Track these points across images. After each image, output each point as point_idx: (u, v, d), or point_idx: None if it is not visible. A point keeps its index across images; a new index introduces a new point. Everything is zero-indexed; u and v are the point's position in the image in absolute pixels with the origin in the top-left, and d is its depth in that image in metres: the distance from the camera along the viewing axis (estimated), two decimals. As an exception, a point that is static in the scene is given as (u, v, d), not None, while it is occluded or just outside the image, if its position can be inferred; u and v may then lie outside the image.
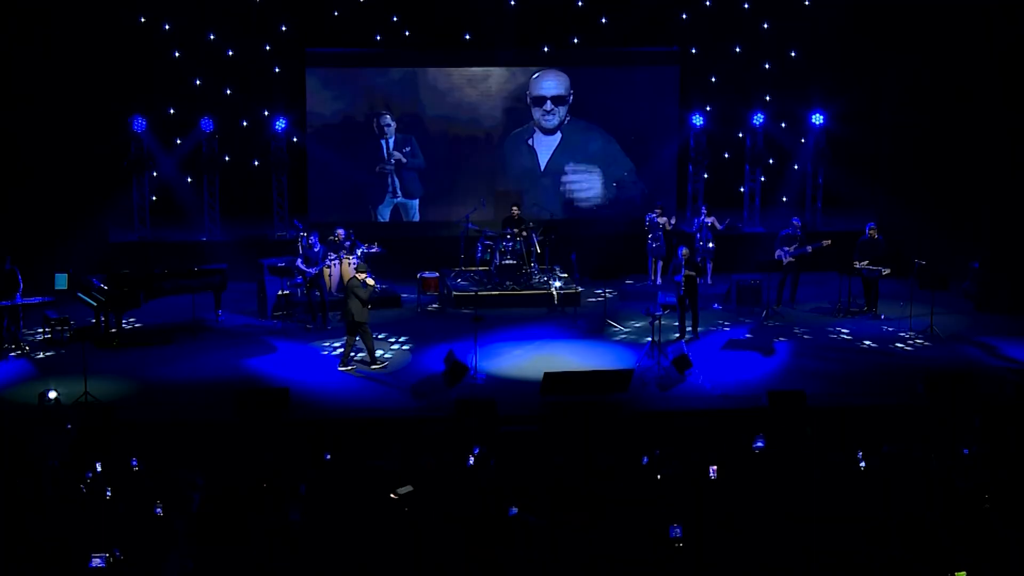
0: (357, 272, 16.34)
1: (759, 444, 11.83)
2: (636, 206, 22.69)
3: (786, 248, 19.30)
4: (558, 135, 22.72)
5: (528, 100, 22.53)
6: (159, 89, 22.34)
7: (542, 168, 22.75)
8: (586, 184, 22.87)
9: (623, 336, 17.89)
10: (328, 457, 11.94)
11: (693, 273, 17.24)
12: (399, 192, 22.45)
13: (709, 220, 20.52)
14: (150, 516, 9.69)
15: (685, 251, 17.36)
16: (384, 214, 22.56)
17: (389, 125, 22.32)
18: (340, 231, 19.71)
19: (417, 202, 22.66)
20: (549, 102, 22.53)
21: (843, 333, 18.16)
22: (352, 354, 16.37)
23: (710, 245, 20.66)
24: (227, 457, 12.33)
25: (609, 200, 22.90)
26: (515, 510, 9.60)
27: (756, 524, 9.37)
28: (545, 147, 22.73)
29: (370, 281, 16.33)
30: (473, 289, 19.44)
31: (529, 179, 22.70)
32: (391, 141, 22.35)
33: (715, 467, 10.77)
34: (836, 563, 8.66)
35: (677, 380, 15.72)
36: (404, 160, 22.39)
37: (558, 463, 11.57)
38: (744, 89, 23.71)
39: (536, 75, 22.51)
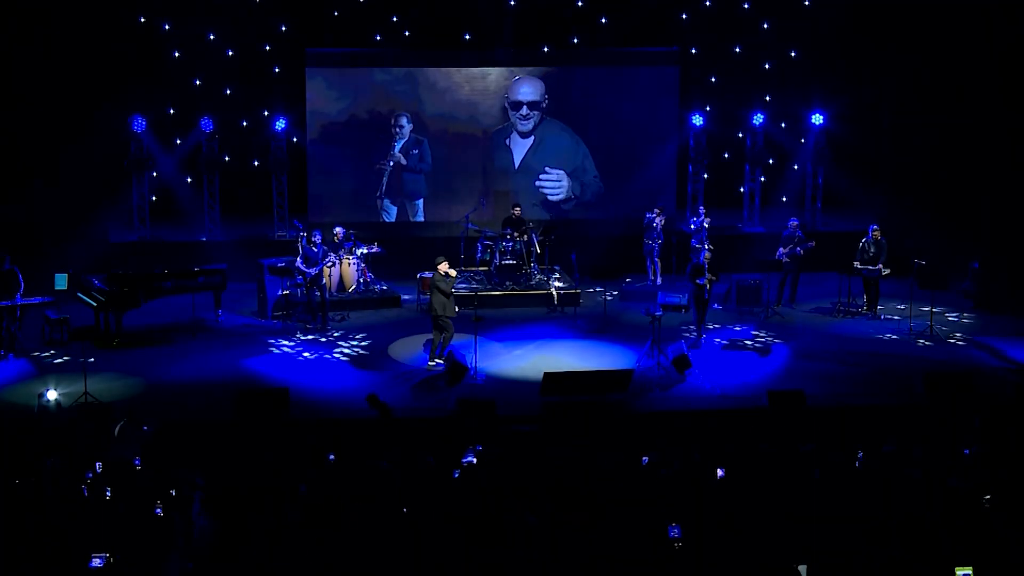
0: (437, 265, 16.25)
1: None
2: (599, 206, 22.86)
3: (782, 248, 19.35)
4: (531, 138, 22.74)
5: (506, 104, 22.51)
6: (159, 89, 22.36)
7: (516, 167, 22.77)
8: (556, 185, 22.89)
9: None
10: (332, 457, 11.94)
11: (713, 278, 17.25)
12: (384, 193, 22.41)
13: (707, 221, 20.49)
14: (150, 516, 9.68)
15: (708, 255, 17.36)
16: (391, 210, 22.53)
17: (403, 127, 22.32)
18: (339, 230, 19.72)
19: (421, 202, 22.65)
20: (525, 107, 22.53)
21: (843, 333, 18.16)
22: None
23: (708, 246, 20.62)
24: (227, 457, 12.33)
25: (577, 198, 22.92)
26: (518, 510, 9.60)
27: (756, 524, 9.36)
28: (519, 148, 22.75)
29: (452, 272, 16.25)
30: (473, 289, 19.44)
31: (507, 176, 22.72)
32: (400, 143, 22.33)
33: (722, 469, 10.75)
34: (836, 563, 8.65)
35: (677, 380, 15.72)
36: (404, 162, 22.38)
37: (558, 463, 11.56)
38: (744, 89, 23.73)
39: (515, 80, 22.49)
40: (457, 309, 16.46)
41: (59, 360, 16.58)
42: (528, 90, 22.53)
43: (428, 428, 14.19)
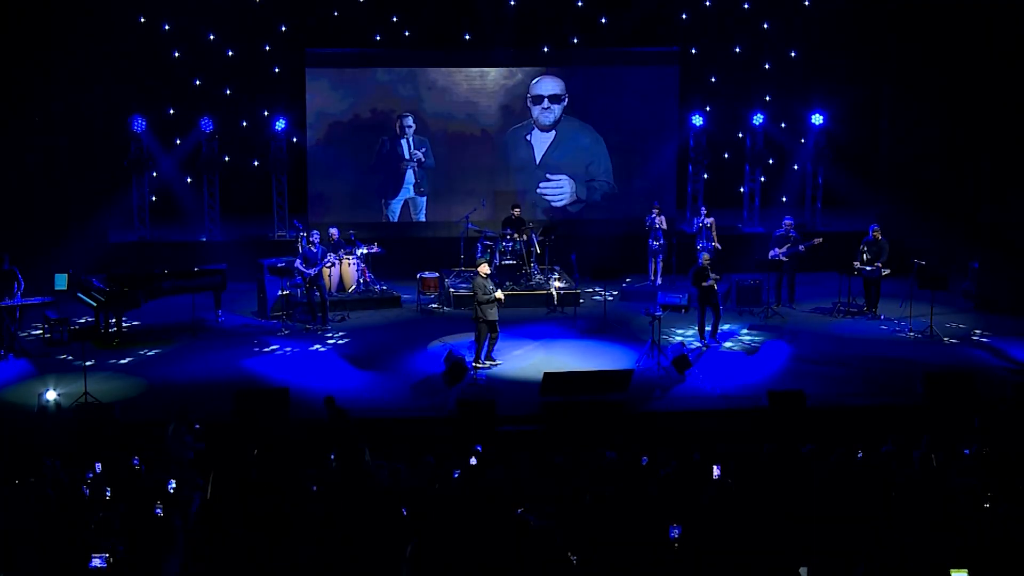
0: (478, 266, 16.17)
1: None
2: (609, 207, 22.85)
3: (777, 249, 19.34)
4: (553, 132, 22.73)
5: (528, 100, 22.53)
6: (159, 89, 22.37)
7: (537, 162, 22.78)
8: (558, 189, 22.89)
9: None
10: (333, 457, 11.95)
11: (717, 277, 17.19)
12: (412, 190, 22.47)
13: (708, 221, 20.48)
14: (150, 516, 9.68)
15: (706, 256, 17.32)
16: (395, 210, 22.48)
17: (411, 127, 22.33)
18: (333, 231, 19.70)
19: (424, 200, 22.65)
20: (547, 100, 22.54)
21: (843, 333, 18.16)
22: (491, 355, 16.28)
23: (709, 245, 20.59)
24: (227, 457, 12.33)
25: (582, 201, 22.91)
26: (519, 510, 9.61)
27: (756, 524, 9.36)
28: (541, 143, 22.75)
29: (482, 270, 16.05)
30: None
31: (526, 173, 22.73)
32: (410, 141, 22.33)
33: (721, 469, 10.74)
34: (836, 563, 8.65)
35: (677, 380, 15.72)
36: (423, 159, 22.40)
37: (558, 463, 11.57)
38: (744, 89, 23.74)
39: (536, 80, 22.52)
40: (502, 297, 16.18)
41: (59, 360, 16.58)
42: (549, 84, 22.55)
43: (428, 428, 14.20)
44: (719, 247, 19.68)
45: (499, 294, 16.04)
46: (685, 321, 18.57)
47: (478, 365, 16.04)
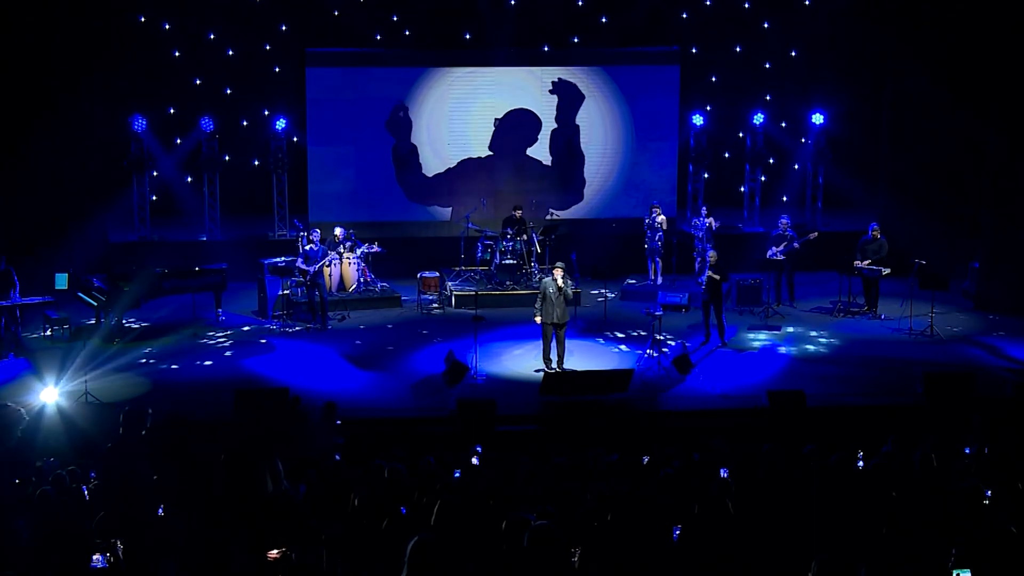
0: (554, 269, 15.98)
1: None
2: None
3: (775, 248, 19.36)
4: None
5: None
6: (159, 89, 22.36)
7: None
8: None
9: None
10: (338, 458, 11.96)
11: (718, 277, 17.14)
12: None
13: (708, 221, 20.47)
14: (150, 516, 9.68)
15: (712, 254, 17.29)
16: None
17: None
18: (339, 231, 19.73)
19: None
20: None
21: (843, 333, 18.15)
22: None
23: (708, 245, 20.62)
24: (227, 457, 12.31)
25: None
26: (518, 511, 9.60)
27: (756, 525, 9.36)
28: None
29: (556, 273, 15.81)
30: (473, 289, 19.44)
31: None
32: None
33: (722, 469, 10.74)
34: (838, 564, 8.65)
35: (677, 380, 15.72)
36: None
37: (558, 463, 11.56)
38: (744, 89, 23.73)
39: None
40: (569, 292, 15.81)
41: (59, 360, 16.57)
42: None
43: (428, 428, 14.20)
44: (704, 247, 19.85)
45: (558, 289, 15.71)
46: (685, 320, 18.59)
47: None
